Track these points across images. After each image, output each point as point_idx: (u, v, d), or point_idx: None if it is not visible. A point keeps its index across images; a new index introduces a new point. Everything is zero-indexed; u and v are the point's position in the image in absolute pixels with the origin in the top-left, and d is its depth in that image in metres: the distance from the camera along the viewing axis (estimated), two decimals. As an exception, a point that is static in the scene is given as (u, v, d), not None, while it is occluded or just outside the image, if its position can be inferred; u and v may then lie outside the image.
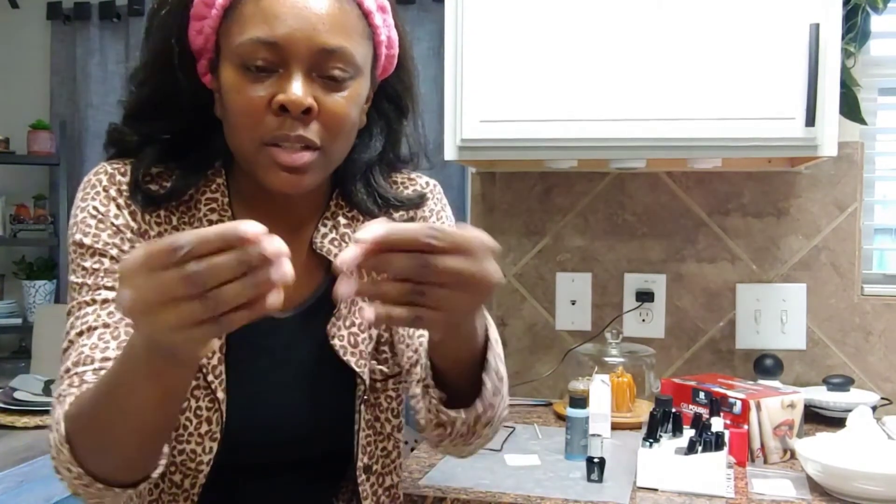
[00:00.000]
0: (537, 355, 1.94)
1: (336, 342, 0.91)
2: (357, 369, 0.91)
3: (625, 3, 1.49)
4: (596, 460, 1.29)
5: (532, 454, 1.44)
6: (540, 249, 1.94)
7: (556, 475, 1.33)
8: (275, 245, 0.57)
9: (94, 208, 0.87)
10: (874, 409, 1.58)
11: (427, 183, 1.02)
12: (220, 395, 0.86)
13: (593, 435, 1.33)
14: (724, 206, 1.85)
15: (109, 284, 0.84)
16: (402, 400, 1.01)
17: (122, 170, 0.89)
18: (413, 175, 1.03)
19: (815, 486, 1.27)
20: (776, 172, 1.82)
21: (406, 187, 1.00)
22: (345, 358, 0.91)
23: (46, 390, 1.97)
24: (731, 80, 1.46)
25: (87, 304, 0.84)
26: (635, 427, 1.56)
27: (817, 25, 1.42)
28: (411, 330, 0.93)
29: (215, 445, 0.87)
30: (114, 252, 0.85)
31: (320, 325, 0.91)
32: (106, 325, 0.82)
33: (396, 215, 0.97)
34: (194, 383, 0.87)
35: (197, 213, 0.90)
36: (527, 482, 1.30)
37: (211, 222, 0.88)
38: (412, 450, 1.50)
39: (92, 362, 0.79)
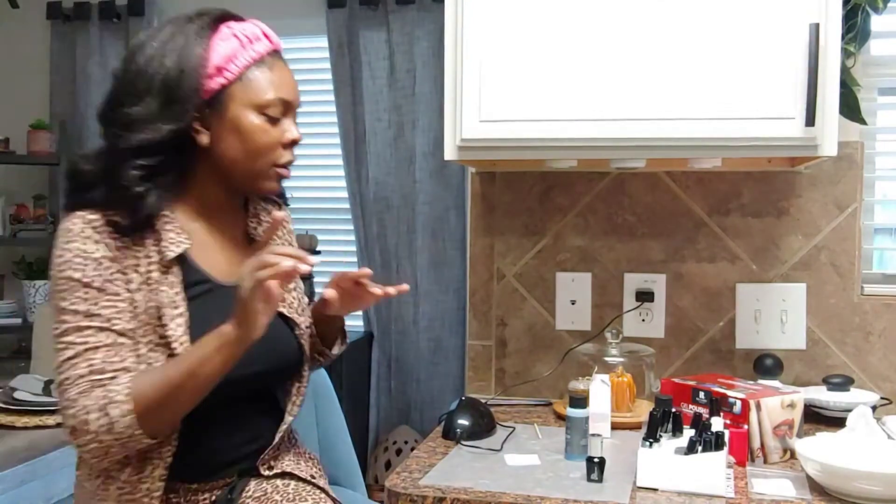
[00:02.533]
0: (537, 355, 1.94)
1: (281, 305, 1.25)
2: (288, 314, 1.28)
3: (625, 3, 1.49)
4: (596, 460, 1.29)
5: (532, 454, 1.45)
6: (540, 249, 1.94)
7: (556, 475, 1.33)
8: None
9: (78, 248, 1.11)
10: (874, 408, 1.59)
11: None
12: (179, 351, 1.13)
13: (593, 435, 1.34)
14: (724, 206, 1.85)
15: (97, 312, 1.09)
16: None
17: (91, 213, 1.13)
18: None
19: (814, 486, 1.27)
20: (776, 172, 1.82)
21: None
22: (289, 316, 1.28)
23: (46, 390, 1.97)
24: (731, 80, 1.46)
25: (86, 327, 1.09)
26: (635, 427, 1.56)
27: (817, 25, 1.42)
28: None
29: None
30: (97, 283, 1.10)
31: None
32: (107, 346, 1.09)
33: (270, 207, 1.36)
34: (165, 354, 1.12)
35: (154, 228, 1.15)
36: (527, 482, 1.30)
37: (166, 232, 1.16)
38: (412, 449, 1.50)
39: (104, 372, 1.07)
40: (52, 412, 1.87)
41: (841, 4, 1.45)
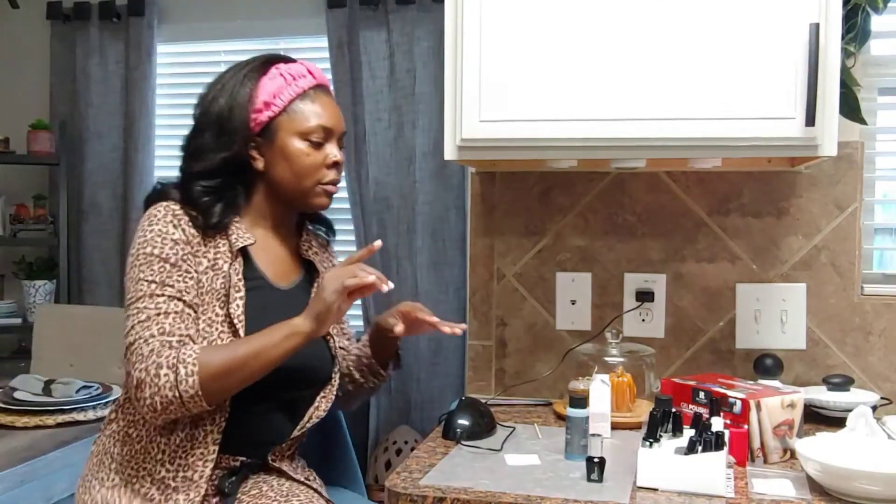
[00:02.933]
0: (537, 355, 1.94)
1: None
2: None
3: (625, 2, 1.49)
4: (596, 460, 1.29)
5: (532, 454, 1.45)
6: (540, 249, 1.94)
7: (556, 475, 1.33)
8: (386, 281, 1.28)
9: (160, 231, 1.29)
10: (874, 408, 1.58)
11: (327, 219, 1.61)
12: (242, 332, 1.29)
13: (593, 435, 1.34)
14: (724, 206, 1.85)
15: (170, 283, 1.27)
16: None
17: (174, 204, 1.33)
18: None
19: (814, 486, 1.27)
20: (776, 172, 1.82)
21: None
22: None
23: (46, 390, 1.97)
24: (731, 80, 1.46)
25: (159, 295, 1.26)
26: (635, 427, 1.56)
27: (817, 25, 1.42)
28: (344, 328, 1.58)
29: None
30: (172, 259, 1.28)
31: (302, 297, 1.40)
32: (176, 313, 1.26)
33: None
34: (222, 329, 1.30)
35: (227, 228, 1.36)
36: (527, 482, 1.30)
37: (236, 229, 1.36)
38: (412, 449, 1.50)
39: (174, 335, 1.24)
40: (52, 412, 1.87)
41: (841, 4, 1.45)
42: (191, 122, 1.41)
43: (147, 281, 1.26)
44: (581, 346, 1.83)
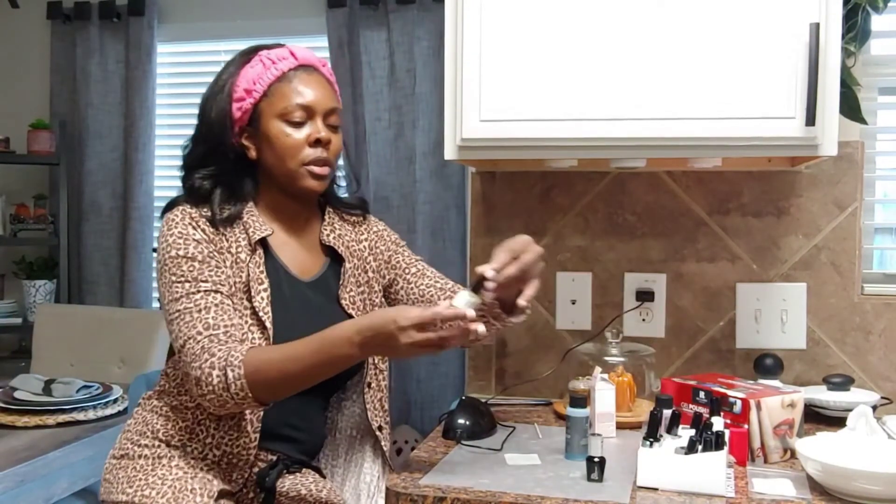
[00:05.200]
0: (537, 355, 1.94)
1: (344, 302, 1.43)
2: (349, 311, 1.42)
3: (625, 2, 1.49)
4: (596, 460, 1.29)
5: (532, 454, 1.44)
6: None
7: (556, 475, 1.33)
8: (479, 326, 1.15)
9: (180, 232, 1.31)
10: (874, 408, 1.58)
11: (360, 198, 1.57)
12: (268, 325, 1.32)
13: (593, 434, 1.33)
14: (724, 206, 1.85)
15: (203, 278, 1.29)
16: None
17: (189, 207, 1.35)
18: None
19: (815, 486, 1.27)
20: (776, 172, 1.82)
21: (345, 196, 1.57)
22: (349, 311, 1.42)
23: (46, 390, 1.97)
24: (731, 80, 1.46)
25: (195, 292, 1.28)
26: (635, 427, 1.56)
27: (817, 25, 1.42)
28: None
29: None
30: (200, 256, 1.30)
31: (327, 288, 1.43)
32: (216, 305, 1.27)
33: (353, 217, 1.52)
34: (251, 322, 1.32)
35: (243, 219, 1.37)
36: (527, 482, 1.29)
37: (253, 222, 1.37)
38: (412, 449, 1.50)
39: (218, 328, 1.25)
40: (52, 412, 1.87)
41: (841, 4, 1.45)
42: (192, 121, 1.42)
43: (181, 281, 1.28)
44: (581, 345, 1.83)
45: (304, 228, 1.44)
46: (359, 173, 2.99)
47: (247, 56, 1.38)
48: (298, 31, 3.16)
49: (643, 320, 1.88)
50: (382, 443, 1.48)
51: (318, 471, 1.46)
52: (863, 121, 1.73)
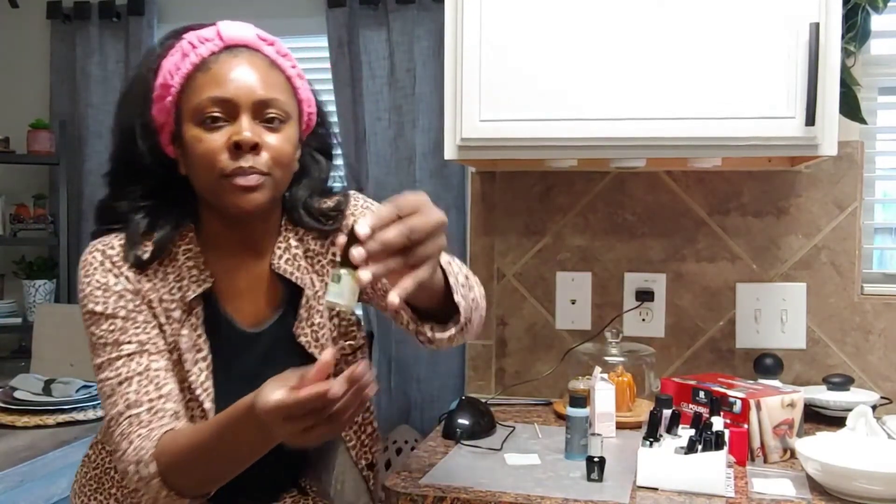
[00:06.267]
0: (537, 355, 1.94)
1: (302, 339, 1.13)
2: (312, 352, 1.13)
3: (625, 2, 1.49)
4: (596, 460, 1.29)
5: (532, 454, 1.45)
6: (540, 249, 1.94)
7: (556, 474, 1.33)
8: (370, 388, 0.86)
9: (97, 281, 1.06)
10: (874, 408, 1.58)
11: (344, 195, 1.20)
12: (208, 405, 1.07)
13: (593, 434, 1.33)
14: (724, 206, 1.85)
15: (126, 340, 1.05)
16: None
17: (110, 245, 1.08)
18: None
19: (814, 486, 1.27)
20: (776, 172, 1.82)
21: (325, 203, 1.18)
22: (309, 351, 1.13)
23: (46, 390, 1.97)
24: (731, 80, 1.46)
25: (116, 359, 1.04)
26: (635, 426, 1.56)
27: (817, 25, 1.42)
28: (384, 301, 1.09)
29: None
30: (122, 313, 1.06)
31: (287, 329, 1.13)
32: (139, 374, 1.04)
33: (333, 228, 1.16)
34: (187, 397, 1.07)
35: (177, 262, 1.09)
36: (527, 482, 1.30)
37: (189, 269, 1.09)
38: (412, 449, 1.50)
39: (141, 405, 1.02)
40: (52, 412, 1.87)
41: (841, 4, 1.45)
42: None
43: (101, 344, 1.05)
44: (581, 345, 1.83)
45: (257, 259, 1.13)
46: (359, 173, 2.99)
47: (168, 42, 1.07)
48: (298, 30, 3.15)
49: (643, 320, 1.88)
50: (370, 483, 1.26)
51: (303, 490, 1.25)
52: (863, 121, 1.73)
